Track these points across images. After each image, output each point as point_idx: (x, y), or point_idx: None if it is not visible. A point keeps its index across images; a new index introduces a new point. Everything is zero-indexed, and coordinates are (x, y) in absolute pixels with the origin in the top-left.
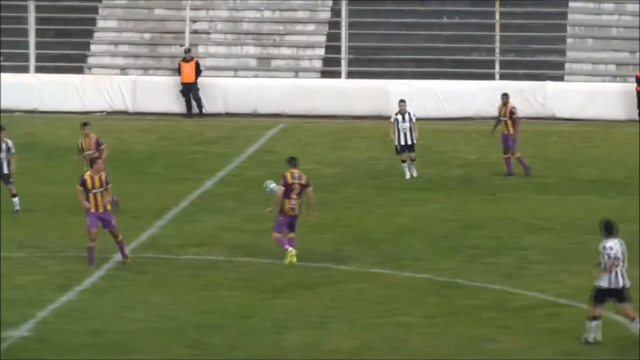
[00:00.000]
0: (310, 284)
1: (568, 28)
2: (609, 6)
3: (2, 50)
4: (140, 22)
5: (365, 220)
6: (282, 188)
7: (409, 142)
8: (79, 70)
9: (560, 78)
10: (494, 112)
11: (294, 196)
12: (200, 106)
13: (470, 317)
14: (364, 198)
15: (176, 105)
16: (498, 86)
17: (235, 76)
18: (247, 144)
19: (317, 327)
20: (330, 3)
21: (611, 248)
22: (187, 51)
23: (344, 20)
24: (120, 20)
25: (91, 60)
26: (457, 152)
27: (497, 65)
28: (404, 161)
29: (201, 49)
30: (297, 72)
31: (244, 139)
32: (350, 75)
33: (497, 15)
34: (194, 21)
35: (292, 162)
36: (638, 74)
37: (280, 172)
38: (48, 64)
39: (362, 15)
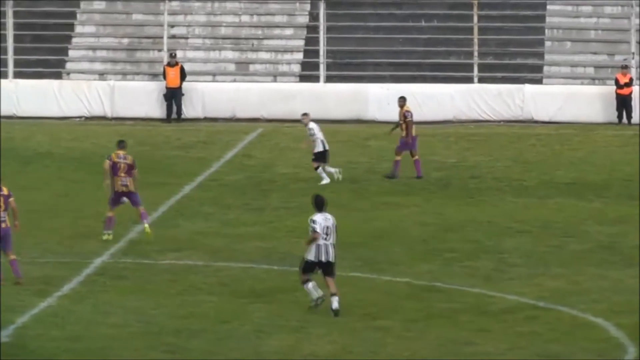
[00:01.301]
0: (289, 288)
1: (546, 31)
2: (587, 9)
3: None
4: (118, 27)
5: (343, 224)
6: (108, 161)
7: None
8: (57, 76)
9: (538, 81)
10: (473, 116)
11: (122, 174)
12: (179, 112)
13: (448, 320)
14: (342, 202)
15: (154, 110)
16: (476, 89)
17: (213, 81)
18: (226, 149)
19: (295, 332)
20: (308, 7)
21: (315, 222)
22: (173, 56)
23: (322, 24)
24: (98, 26)
25: (69, 66)
26: (435, 155)
27: (475, 69)
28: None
29: (179, 54)
30: (275, 76)
31: (223, 143)
32: (329, 79)
33: (475, 19)
34: (172, 26)
35: (119, 144)
36: (617, 76)
37: (259, 177)
38: (26, 70)
39: (340, 19)
